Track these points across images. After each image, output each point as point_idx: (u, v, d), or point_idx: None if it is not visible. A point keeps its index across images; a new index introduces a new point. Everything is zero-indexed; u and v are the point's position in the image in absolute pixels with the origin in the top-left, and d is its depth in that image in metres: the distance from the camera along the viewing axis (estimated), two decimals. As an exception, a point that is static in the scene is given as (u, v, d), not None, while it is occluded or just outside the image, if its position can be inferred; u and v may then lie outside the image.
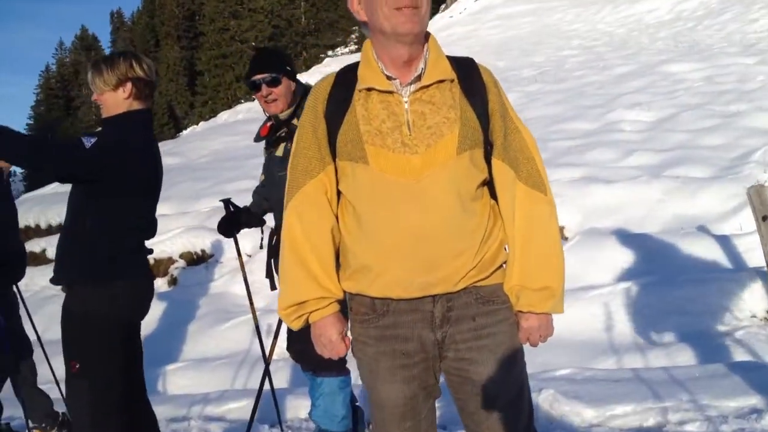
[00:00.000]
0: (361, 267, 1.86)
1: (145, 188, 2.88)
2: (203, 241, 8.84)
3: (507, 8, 33.14)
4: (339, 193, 1.91)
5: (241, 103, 47.86)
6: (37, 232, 11.17)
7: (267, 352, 3.99)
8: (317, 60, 57.46)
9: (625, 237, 6.24)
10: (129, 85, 2.84)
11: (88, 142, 2.67)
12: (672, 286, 5.22)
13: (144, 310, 2.99)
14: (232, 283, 7.80)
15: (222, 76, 56.90)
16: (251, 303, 4.14)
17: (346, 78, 1.89)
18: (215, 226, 3.78)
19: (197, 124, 48.84)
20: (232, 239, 3.88)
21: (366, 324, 1.90)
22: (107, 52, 79.52)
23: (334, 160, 1.88)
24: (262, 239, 3.85)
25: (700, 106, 10.69)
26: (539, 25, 28.18)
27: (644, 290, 5.25)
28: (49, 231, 10.91)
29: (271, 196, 3.45)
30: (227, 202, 3.78)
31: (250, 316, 6.08)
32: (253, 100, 44.71)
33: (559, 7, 31.33)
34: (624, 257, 5.98)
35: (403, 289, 1.82)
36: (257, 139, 3.52)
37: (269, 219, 3.74)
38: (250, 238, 6.19)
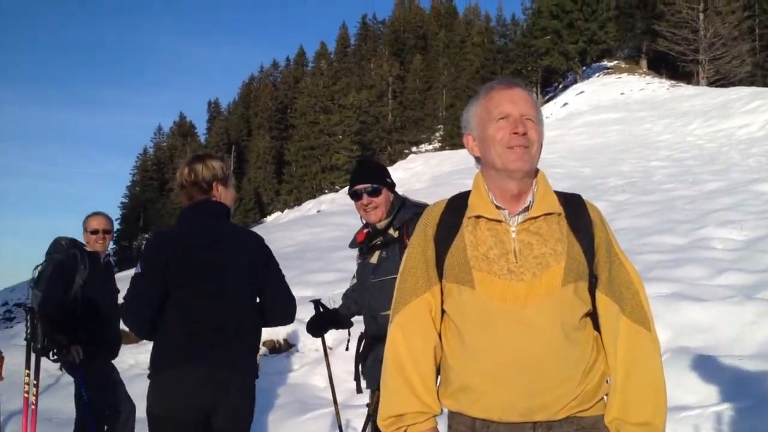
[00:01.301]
0: (462, 386, 1.93)
1: (169, 278, 2.97)
2: (285, 330, 9.01)
3: (594, 116, 33.38)
4: (443, 312, 2.02)
5: (325, 193, 49.23)
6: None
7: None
8: (401, 155, 58.87)
9: (716, 358, 6.05)
10: (181, 190, 3.19)
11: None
12: (765, 414, 5.00)
13: (187, 400, 2.91)
14: (312, 375, 7.88)
15: (308, 167, 58.78)
16: (335, 402, 4.19)
17: (457, 204, 2.03)
18: (315, 309, 3.92)
19: (282, 211, 50.41)
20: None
21: None
22: (202, 139, 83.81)
23: (441, 281, 2.00)
24: (348, 341, 3.96)
25: (794, 230, 10.40)
26: (627, 134, 28.15)
27: (736, 415, 5.04)
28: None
29: (362, 301, 3.59)
30: (317, 303, 3.92)
31: (329, 409, 6.16)
32: (337, 190, 45.98)
33: (648, 117, 31.31)
34: (714, 379, 5.77)
35: (504, 412, 1.87)
36: (353, 244, 3.69)
37: (355, 321, 3.87)
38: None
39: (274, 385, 7.82)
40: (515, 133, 1.91)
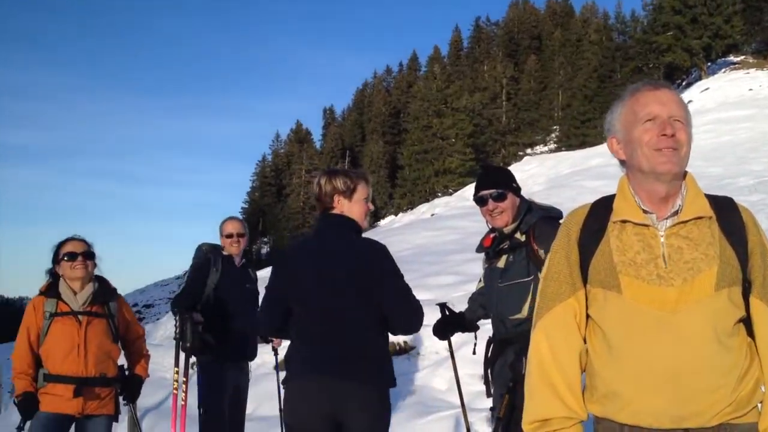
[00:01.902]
0: (609, 392, 1.91)
1: (291, 292, 3.17)
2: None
3: (721, 113, 31.66)
4: (588, 317, 2.01)
5: (439, 196, 49.27)
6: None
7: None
8: (516, 157, 58.08)
9: None
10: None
11: None
12: None
13: (309, 411, 3.01)
14: (433, 377, 7.93)
15: (422, 171, 59.05)
16: (462, 404, 4.20)
17: (602, 209, 2.01)
18: (441, 312, 3.97)
19: (395, 215, 50.90)
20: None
21: None
22: (318, 145, 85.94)
23: (585, 286, 1.99)
24: (475, 344, 3.98)
25: None
26: (757, 132, 26.52)
27: None
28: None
29: (490, 305, 3.60)
30: (443, 306, 3.96)
31: (451, 411, 6.18)
32: (450, 194, 45.92)
33: (780, 114, 29.40)
34: None
35: (655, 419, 1.85)
36: (479, 249, 3.72)
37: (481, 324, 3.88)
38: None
39: (395, 387, 7.91)
40: (663, 135, 1.88)
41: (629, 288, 1.88)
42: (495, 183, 3.51)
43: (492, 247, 3.58)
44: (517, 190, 3.55)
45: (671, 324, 1.83)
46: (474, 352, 4.15)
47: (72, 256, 3.98)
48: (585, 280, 1.99)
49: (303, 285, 3.11)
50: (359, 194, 3.23)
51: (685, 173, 1.97)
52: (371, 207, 3.34)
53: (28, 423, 3.85)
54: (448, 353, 4.29)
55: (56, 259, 4.05)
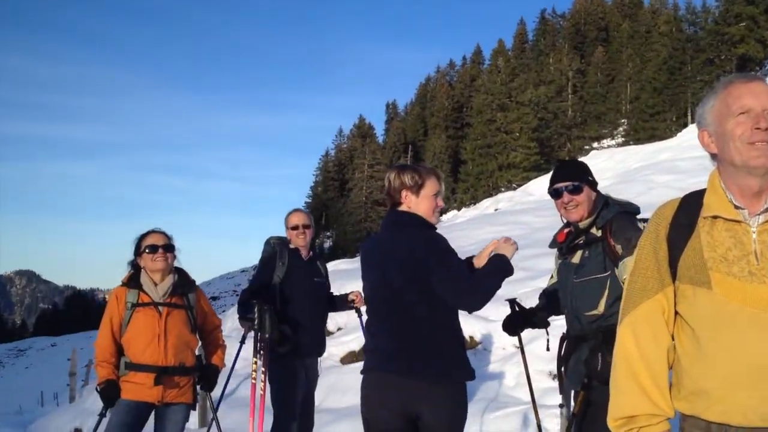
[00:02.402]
0: (697, 390, 1.89)
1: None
2: (471, 328, 9.10)
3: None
4: (676, 313, 1.98)
5: (502, 191, 48.86)
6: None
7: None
8: (581, 152, 57.09)
9: None
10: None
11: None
12: None
13: (378, 405, 3.11)
14: (500, 373, 7.90)
15: (485, 165, 58.66)
16: (533, 399, 4.15)
17: (692, 204, 1.98)
18: (510, 307, 3.95)
19: (458, 210, 50.71)
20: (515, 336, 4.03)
21: None
22: (380, 140, 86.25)
23: (674, 282, 1.97)
24: (548, 340, 3.95)
25: None
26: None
27: None
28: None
29: (564, 301, 3.55)
30: (513, 302, 3.93)
31: (520, 407, 6.16)
32: (514, 189, 45.49)
33: None
34: None
35: (743, 417, 1.82)
36: (552, 244, 3.67)
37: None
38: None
39: (462, 382, 7.91)
40: (757, 129, 1.83)
41: (720, 285, 1.85)
42: (571, 175, 3.45)
43: (566, 242, 3.53)
44: (593, 184, 3.49)
45: (763, 321, 1.79)
46: (548, 349, 4.12)
47: (153, 249, 4.11)
48: (674, 277, 1.96)
49: (368, 282, 3.24)
50: (427, 190, 3.23)
51: None
52: (441, 203, 3.31)
53: (110, 410, 4.00)
54: (516, 349, 4.28)
55: (138, 251, 4.19)
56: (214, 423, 4.59)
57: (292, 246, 4.88)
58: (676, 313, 1.98)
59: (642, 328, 1.98)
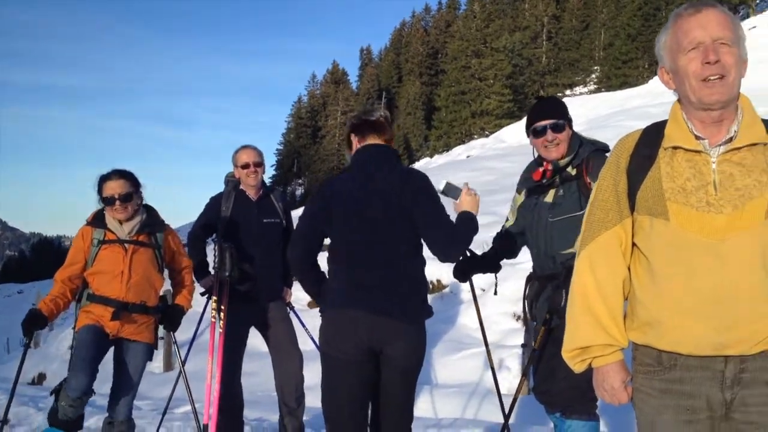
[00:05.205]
0: (651, 320, 1.89)
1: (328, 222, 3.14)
2: (439, 271, 9.15)
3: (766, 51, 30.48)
4: (633, 245, 1.97)
5: (475, 138, 48.78)
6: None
7: (502, 386, 4.01)
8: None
9: None
10: (352, 135, 3.29)
11: None
12: None
13: (347, 342, 3.01)
14: (464, 316, 7.99)
15: (458, 112, 58.41)
16: (486, 344, 4.12)
17: (653, 135, 1.95)
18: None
19: (431, 157, 50.62)
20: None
21: (650, 376, 1.92)
22: (354, 86, 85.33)
23: (632, 214, 1.95)
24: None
25: None
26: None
27: None
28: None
29: (535, 240, 3.46)
30: None
31: (482, 348, 6.22)
32: (487, 136, 45.43)
33: None
34: None
35: (695, 346, 1.83)
36: (525, 183, 3.54)
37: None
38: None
39: (428, 324, 7.99)
40: (707, 63, 1.79)
41: (677, 215, 1.83)
42: (554, 113, 3.36)
43: (546, 180, 3.42)
44: (571, 122, 3.42)
45: (719, 252, 1.78)
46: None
47: (109, 202, 4.00)
48: (632, 208, 1.95)
49: (345, 225, 3.08)
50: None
51: (740, 95, 1.88)
52: None
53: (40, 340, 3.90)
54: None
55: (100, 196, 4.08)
56: (179, 366, 4.54)
57: (241, 187, 4.57)
58: (634, 244, 1.97)
59: (599, 260, 1.97)
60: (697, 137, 1.87)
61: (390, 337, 2.98)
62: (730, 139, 1.84)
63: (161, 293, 4.23)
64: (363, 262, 3.03)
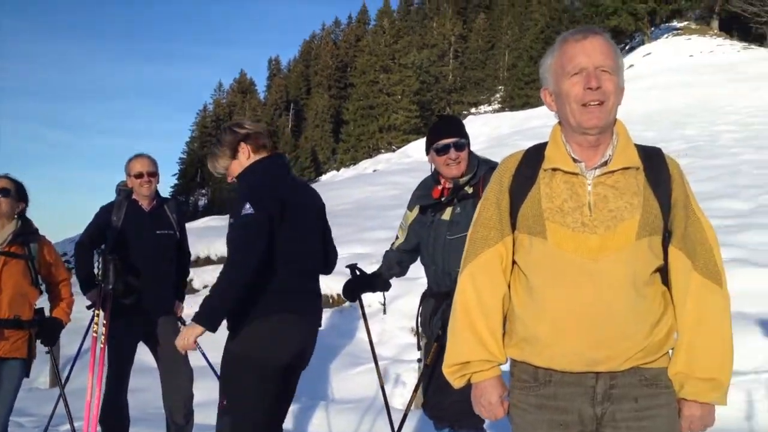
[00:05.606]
0: (528, 336, 1.93)
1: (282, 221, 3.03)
2: (338, 285, 9.09)
3: (661, 78, 32.32)
4: (514, 263, 2.00)
5: (382, 153, 49.16)
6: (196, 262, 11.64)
7: (395, 402, 4.04)
8: (460, 116, 58.28)
9: (774, 325, 5.86)
10: (243, 145, 3.17)
11: (235, 220, 2.97)
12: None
13: (292, 347, 3.14)
14: (363, 331, 7.92)
15: (366, 126, 58.68)
16: (375, 362, 4.12)
17: (534, 156, 2.00)
18: (351, 273, 3.89)
19: (338, 170, 50.68)
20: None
21: (526, 391, 1.95)
22: (261, 96, 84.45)
23: (513, 232, 1.98)
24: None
25: None
26: (693, 98, 27.22)
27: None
28: (197, 263, 11.33)
29: (432, 258, 3.47)
30: (353, 267, 3.88)
31: (380, 363, 6.21)
32: (393, 150, 45.85)
33: (717, 80, 30.19)
34: (770, 345, 5.61)
35: (569, 362, 1.87)
36: (423, 200, 3.54)
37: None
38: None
39: (326, 337, 7.92)
40: (589, 88, 1.85)
41: (554, 235, 1.88)
42: (457, 131, 3.41)
43: (446, 197, 3.43)
44: (469, 141, 3.49)
45: (592, 271, 1.84)
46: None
47: None
48: (514, 227, 1.99)
49: (305, 229, 3.19)
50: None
51: (617, 122, 1.95)
52: None
53: None
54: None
55: None
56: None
57: (134, 197, 4.40)
58: (514, 262, 2.00)
59: (481, 277, 2.00)
60: (575, 160, 1.92)
61: (313, 340, 3.31)
62: (605, 163, 1.91)
63: (38, 306, 4.00)
64: (309, 264, 3.28)
